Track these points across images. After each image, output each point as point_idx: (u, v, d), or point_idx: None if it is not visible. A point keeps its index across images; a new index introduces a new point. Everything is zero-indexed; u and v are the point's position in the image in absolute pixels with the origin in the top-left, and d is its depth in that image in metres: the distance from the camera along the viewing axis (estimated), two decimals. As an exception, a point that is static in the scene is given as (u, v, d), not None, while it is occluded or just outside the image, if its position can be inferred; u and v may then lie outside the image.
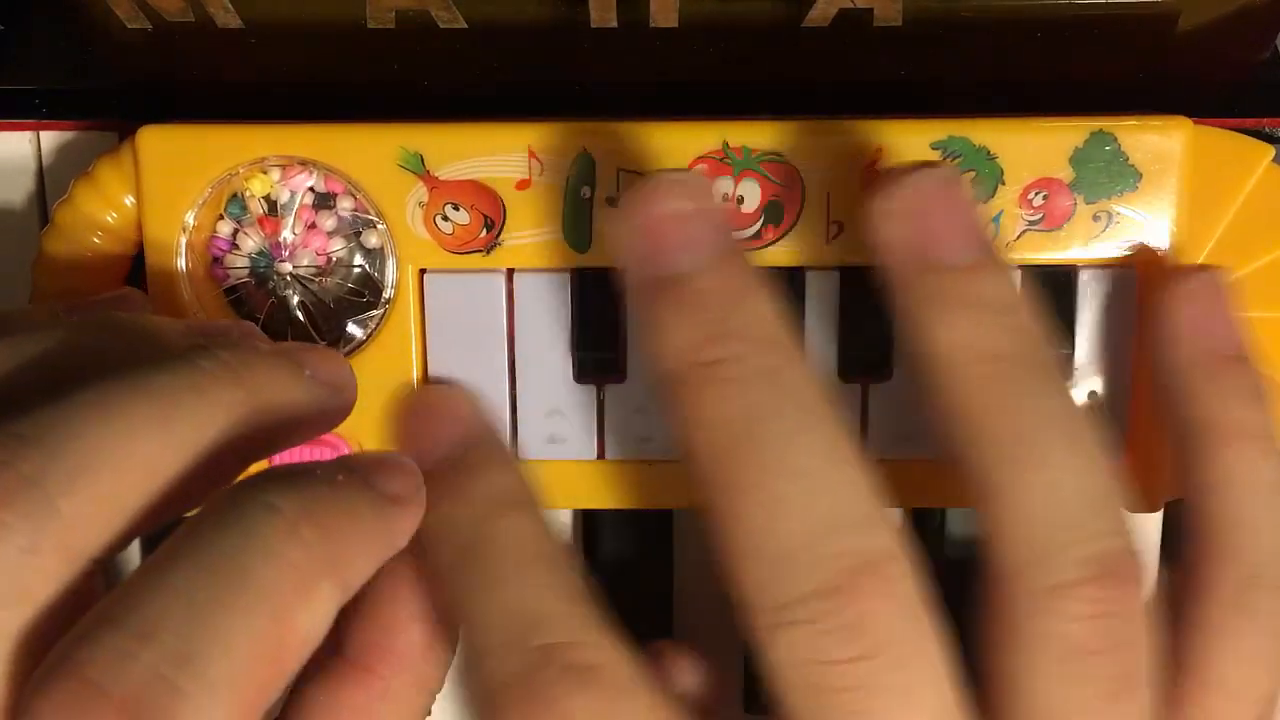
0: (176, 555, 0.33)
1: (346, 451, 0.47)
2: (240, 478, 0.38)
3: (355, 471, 0.37)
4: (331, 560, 0.35)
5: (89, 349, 0.38)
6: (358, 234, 0.47)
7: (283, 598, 0.33)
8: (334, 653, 0.42)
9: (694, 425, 0.39)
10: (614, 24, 0.47)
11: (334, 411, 0.41)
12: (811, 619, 0.36)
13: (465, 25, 0.47)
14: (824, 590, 0.36)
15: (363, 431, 0.47)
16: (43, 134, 0.51)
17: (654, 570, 0.54)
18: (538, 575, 0.38)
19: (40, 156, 0.51)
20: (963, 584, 0.54)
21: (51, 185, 0.51)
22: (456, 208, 0.46)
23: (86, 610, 0.33)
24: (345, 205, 0.47)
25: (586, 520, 0.55)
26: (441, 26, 0.47)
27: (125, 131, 0.50)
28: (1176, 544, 0.53)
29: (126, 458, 0.34)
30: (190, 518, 0.35)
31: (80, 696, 0.30)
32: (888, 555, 0.37)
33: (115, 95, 0.51)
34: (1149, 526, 0.54)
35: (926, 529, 0.54)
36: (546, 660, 0.36)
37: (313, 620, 0.34)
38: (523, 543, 0.39)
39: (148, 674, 0.31)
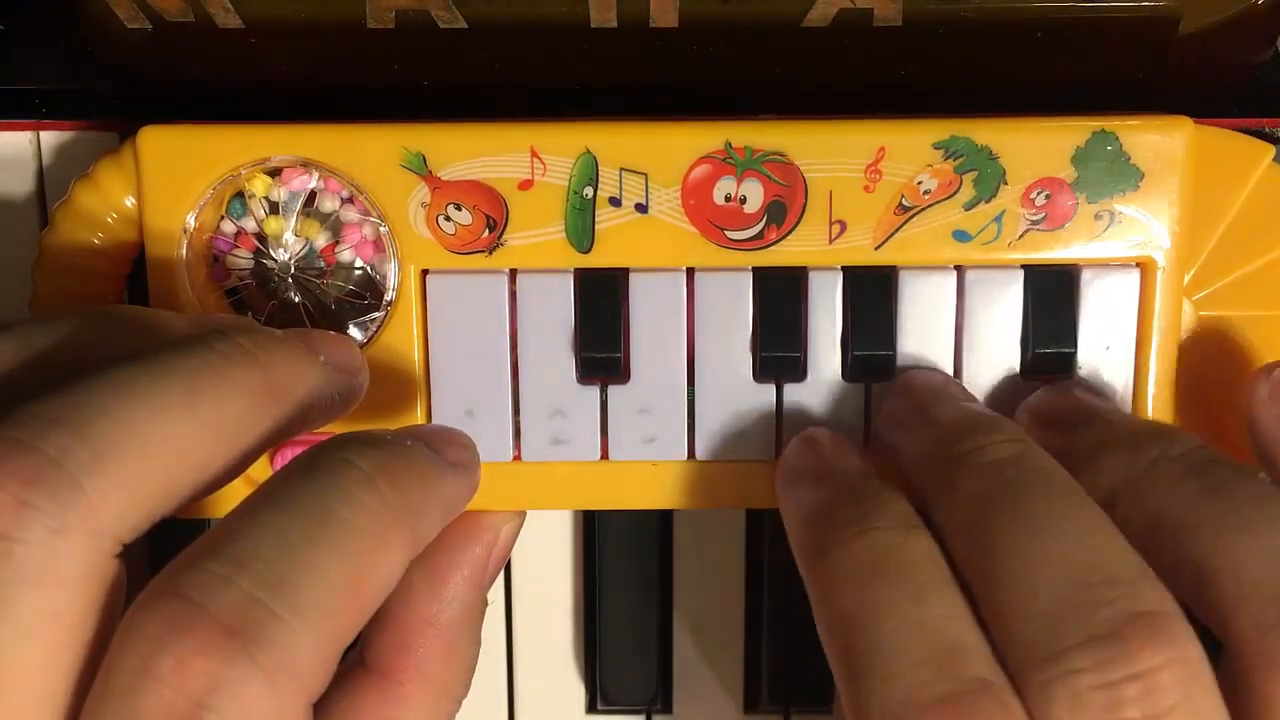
0: (264, 501, 0.35)
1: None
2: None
3: (421, 439, 0.40)
4: (404, 512, 0.37)
5: (100, 338, 0.39)
6: (350, 239, 0.47)
7: (363, 539, 0.35)
8: (354, 659, 0.43)
9: (950, 503, 0.40)
10: (614, 24, 0.47)
11: (348, 395, 0.43)
12: (1095, 666, 0.35)
13: (465, 25, 0.47)
14: (1103, 635, 0.35)
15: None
16: (42, 134, 0.51)
17: (654, 571, 0.55)
18: (946, 599, 0.38)
19: (40, 156, 0.51)
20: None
21: (51, 185, 0.51)
22: (459, 208, 0.46)
23: (114, 590, 0.34)
24: (345, 204, 0.47)
25: (587, 520, 0.55)
26: (441, 26, 0.47)
27: (125, 131, 0.50)
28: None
29: (151, 438, 0.34)
30: (274, 474, 0.37)
31: (183, 613, 0.32)
32: (1171, 613, 0.36)
33: (115, 95, 0.51)
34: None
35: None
36: (972, 687, 0.36)
37: (389, 563, 0.36)
38: (924, 564, 0.39)
39: (244, 597, 0.32)
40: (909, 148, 0.46)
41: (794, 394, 0.48)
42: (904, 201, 0.46)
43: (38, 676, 0.33)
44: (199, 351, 0.37)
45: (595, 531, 0.54)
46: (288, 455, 0.47)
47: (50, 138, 0.51)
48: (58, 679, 0.33)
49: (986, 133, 0.46)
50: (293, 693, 0.33)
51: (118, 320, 0.40)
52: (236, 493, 0.45)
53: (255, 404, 0.37)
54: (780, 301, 0.47)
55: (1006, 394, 0.48)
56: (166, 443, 0.35)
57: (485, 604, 0.46)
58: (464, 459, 0.41)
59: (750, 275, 0.47)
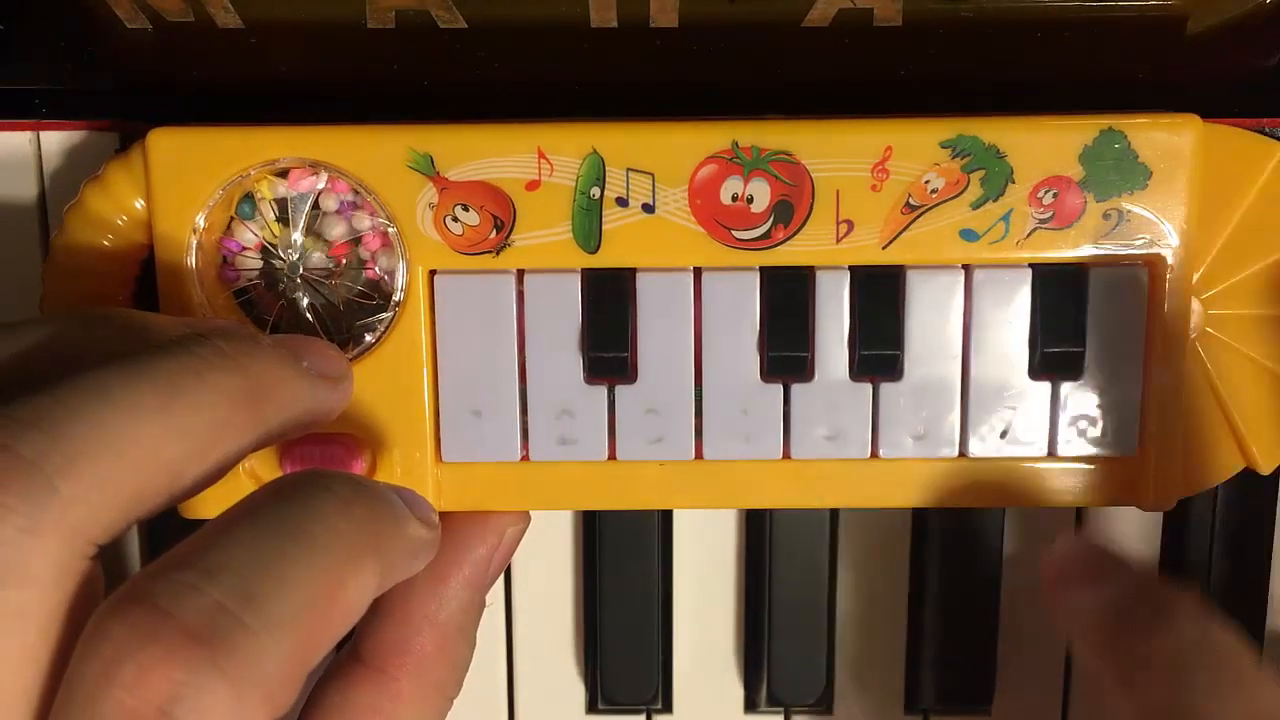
0: (238, 516, 0.35)
1: (358, 449, 0.47)
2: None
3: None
4: (376, 544, 0.37)
5: (84, 340, 0.39)
6: (358, 240, 0.47)
7: (334, 559, 0.35)
8: (349, 654, 0.43)
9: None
10: (614, 24, 0.47)
11: (331, 402, 0.42)
12: None
13: (465, 25, 0.47)
14: None
15: (374, 434, 0.47)
16: (43, 134, 0.51)
17: (655, 571, 0.55)
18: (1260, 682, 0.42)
19: (40, 156, 0.51)
20: (958, 588, 0.54)
21: (51, 185, 0.51)
22: (466, 209, 0.46)
23: (88, 593, 0.34)
24: (353, 205, 0.47)
25: (587, 520, 0.55)
26: (441, 26, 0.47)
27: (125, 131, 0.50)
28: (1179, 546, 0.54)
29: (127, 442, 0.34)
30: (251, 493, 0.36)
31: (148, 620, 0.31)
32: None
33: (115, 95, 0.51)
34: (1151, 528, 0.55)
35: (926, 532, 0.55)
36: None
37: (358, 589, 0.36)
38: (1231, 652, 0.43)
39: (212, 605, 0.32)
40: (916, 147, 0.46)
41: (801, 394, 0.48)
42: (911, 200, 0.46)
43: (10, 675, 0.32)
44: (177, 355, 0.37)
45: (595, 531, 0.54)
46: (296, 454, 0.47)
47: (50, 138, 0.51)
48: (30, 678, 0.33)
49: (994, 131, 0.46)
50: (257, 704, 0.32)
51: (106, 323, 0.40)
52: (242, 490, 0.45)
53: (233, 409, 0.37)
54: (787, 301, 0.47)
55: (1015, 393, 0.48)
56: (141, 446, 0.34)
57: (484, 605, 0.46)
58: (431, 518, 0.41)
59: (757, 275, 0.47)
